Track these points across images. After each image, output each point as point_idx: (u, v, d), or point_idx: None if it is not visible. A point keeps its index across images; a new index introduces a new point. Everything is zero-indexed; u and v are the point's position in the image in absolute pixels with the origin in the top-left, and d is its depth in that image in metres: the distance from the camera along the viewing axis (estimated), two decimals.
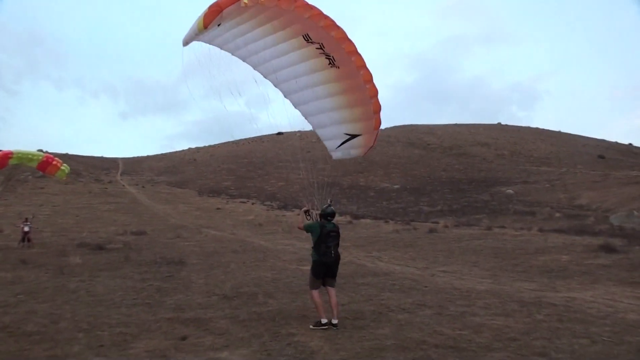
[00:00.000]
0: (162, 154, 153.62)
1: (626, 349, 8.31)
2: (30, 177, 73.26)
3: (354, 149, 11.00)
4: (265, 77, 10.77)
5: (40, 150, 39.23)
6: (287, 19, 9.46)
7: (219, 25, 9.31)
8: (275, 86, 10.83)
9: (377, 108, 10.16)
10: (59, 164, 28.40)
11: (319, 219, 10.58)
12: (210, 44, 10.35)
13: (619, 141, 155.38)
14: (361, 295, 12.84)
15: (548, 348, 8.41)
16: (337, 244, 10.35)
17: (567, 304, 11.80)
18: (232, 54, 10.58)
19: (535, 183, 76.10)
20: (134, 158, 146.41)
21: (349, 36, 9.53)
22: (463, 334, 9.42)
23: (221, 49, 10.49)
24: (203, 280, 16.07)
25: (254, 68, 10.69)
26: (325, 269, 10.33)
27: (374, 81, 9.93)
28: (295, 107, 11.01)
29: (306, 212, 10.96)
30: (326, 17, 9.26)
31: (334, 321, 10.14)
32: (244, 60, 10.64)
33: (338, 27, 9.38)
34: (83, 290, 14.54)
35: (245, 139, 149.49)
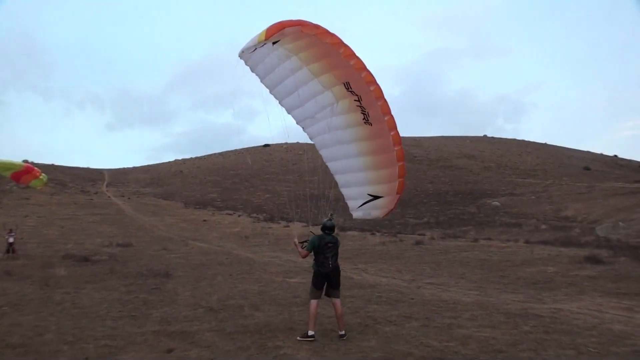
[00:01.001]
0: (148, 166, 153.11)
1: None
2: (15, 187, 72.79)
3: (374, 209, 10.96)
4: (298, 123, 10.82)
5: (25, 161, 38.96)
6: (333, 61, 9.48)
7: (274, 43, 9.34)
8: (308, 135, 10.93)
9: (402, 173, 10.10)
10: (37, 173, 28.13)
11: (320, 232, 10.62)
12: (255, 73, 10.44)
13: (604, 153, 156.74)
14: (348, 307, 12.81)
15: (534, 359, 8.44)
16: (336, 255, 10.42)
17: (553, 315, 11.89)
18: (270, 91, 10.65)
19: (522, 195, 76.45)
20: (120, 169, 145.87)
21: (384, 95, 9.51)
22: (450, 345, 9.46)
23: (261, 80, 10.58)
24: (189, 293, 16.01)
25: (288, 112, 10.76)
26: (324, 279, 10.40)
27: (401, 145, 9.90)
28: (326, 162, 11.08)
29: (301, 242, 10.94)
30: (367, 70, 9.29)
31: (341, 332, 10.24)
32: (280, 102, 10.70)
33: (376, 83, 9.38)
34: (68, 302, 14.45)
35: (232, 151, 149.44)
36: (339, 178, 11.11)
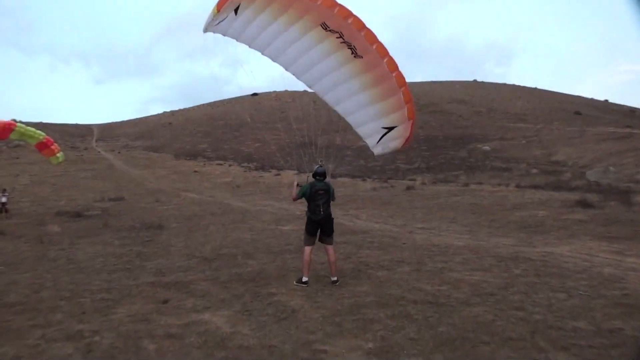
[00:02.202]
0: (137, 119, 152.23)
1: (602, 302, 8.44)
2: (4, 147, 72.43)
3: (392, 141, 10.86)
4: (298, 79, 10.69)
5: (14, 120, 38.86)
6: (301, 6, 9.32)
7: (236, 10, 9.23)
8: (310, 87, 10.78)
9: (408, 97, 9.99)
10: (55, 150, 28.41)
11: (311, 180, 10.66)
12: (228, 36, 10.30)
13: (596, 97, 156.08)
14: (340, 253, 12.89)
15: (525, 302, 8.54)
16: (327, 202, 10.47)
17: (544, 259, 12.00)
18: (261, 53, 10.51)
19: (512, 139, 76.36)
20: (108, 124, 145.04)
21: (366, 24, 9.33)
22: (442, 289, 9.57)
23: (248, 46, 10.44)
24: (183, 244, 16.12)
25: (286, 69, 10.59)
26: (316, 226, 10.48)
27: (400, 70, 9.72)
28: (334, 107, 10.93)
29: (299, 185, 10.97)
30: (339, 4, 9.11)
31: (333, 278, 10.36)
32: (273, 60, 10.55)
33: (353, 15, 9.19)
34: (63, 258, 14.52)
35: (221, 101, 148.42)
36: (350, 119, 10.97)
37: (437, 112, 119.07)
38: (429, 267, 11.57)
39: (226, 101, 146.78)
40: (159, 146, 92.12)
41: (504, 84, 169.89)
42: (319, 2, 9.03)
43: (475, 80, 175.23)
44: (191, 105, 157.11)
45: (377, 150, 11.16)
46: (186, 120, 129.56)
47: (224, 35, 10.35)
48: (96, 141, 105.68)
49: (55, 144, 29.20)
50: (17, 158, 68.38)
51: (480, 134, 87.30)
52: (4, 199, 27.67)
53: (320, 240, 10.57)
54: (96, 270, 12.68)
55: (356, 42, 9.43)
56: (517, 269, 11.08)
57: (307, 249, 10.44)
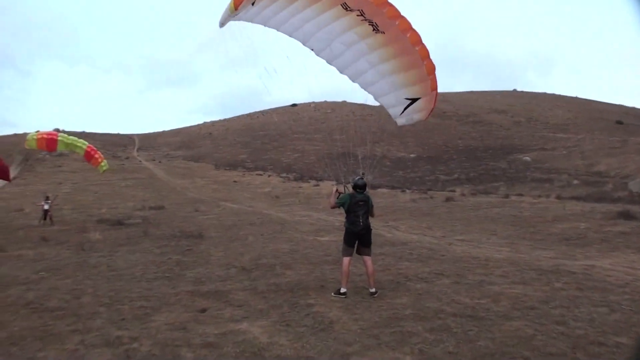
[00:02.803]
0: (177, 129, 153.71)
1: None
2: (47, 156, 73.68)
3: (415, 113, 10.88)
4: (318, 55, 10.65)
5: (57, 130, 39.68)
6: None
7: (253, 3, 9.26)
8: (329, 63, 10.75)
9: (431, 69, 9.99)
10: (100, 159, 29.20)
11: (350, 191, 10.64)
12: (251, 22, 10.32)
13: (637, 106, 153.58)
14: (379, 265, 12.83)
15: (566, 317, 8.39)
16: (366, 213, 10.41)
17: (585, 272, 11.76)
18: (278, 30, 10.51)
19: (553, 150, 75.52)
20: (150, 134, 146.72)
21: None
22: (481, 302, 9.44)
23: (265, 26, 10.46)
24: (222, 253, 16.17)
25: (304, 44, 10.59)
26: (355, 237, 10.43)
27: (424, 44, 9.74)
28: (354, 80, 10.89)
29: (339, 193, 10.97)
30: None
31: (372, 290, 10.28)
32: (302, 43, 10.56)
33: None
34: (104, 265, 14.69)
35: (260, 112, 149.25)
36: (372, 90, 10.91)
37: (477, 123, 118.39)
38: (468, 279, 11.43)
39: (265, 112, 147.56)
40: (199, 156, 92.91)
41: (544, 93, 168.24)
42: None
43: (515, 90, 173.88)
44: (231, 116, 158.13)
45: (401, 121, 11.17)
46: (226, 130, 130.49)
47: (239, 20, 10.35)
48: (137, 150, 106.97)
49: (98, 152, 29.79)
50: (60, 166, 69.58)
51: (520, 145, 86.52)
52: (46, 206, 28.11)
53: (358, 252, 10.51)
54: (136, 277, 12.79)
55: (377, 18, 9.38)
56: (558, 283, 10.88)
57: (346, 260, 10.39)
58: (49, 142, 27.23)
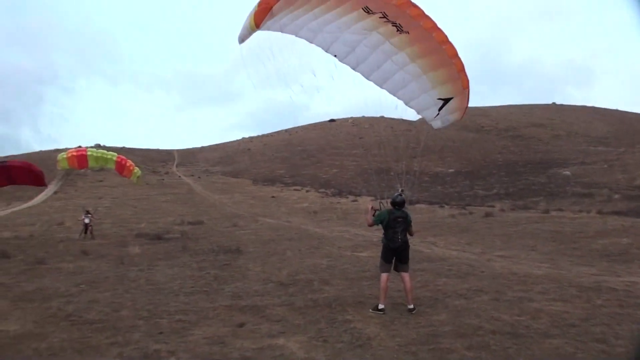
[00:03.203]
0: (216, 145, 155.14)
1: None
2: (89, 171, 74.85)
3: (450, 114, 10.78)
4: (342, 61, 10.55)
5: (98, 145, 40.29)
6: None
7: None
8: (354, 69, 10.62)
9: (460, 66, 9.89)
10: (132, 167, 29.54)
11: (388, 207, 10.61)
12: (268, 30, 10.30)
13: None
14: (417, 281, 12.74)
15: (607, 334, 8.22)
16: (405, 230, 10.37)
17: (627, 289, 11.53)
18: (308, 41, 10.47)
19: (593, 164, 74.41)
20: (189, 149, 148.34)
21: (415, 2, 9.30)
22: (520, 319, 9.30)
23: (283, 32, 10.43)
24: (259, 268, 16.18)
25: (326, 50, 10.45)
26: (393, 253, 10.39)
27: (452, 42, 9.70)
28: (381, 86, 10.76)
29: (374, 210, 10.94)
30: None
31: (410, 306, 10.19)
32: (325, 49, 10.48)
33: None
34: (142, 279, 14.80)
35: (298, 127, 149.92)
36: (401, 94, 10.74)
37: (516, 137, 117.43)
38: (507, 296, 11.27)
39: (303, 127, 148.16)
40: (237, 171, 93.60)
41: (584, 106, 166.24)
42: None
43: (554, 103, 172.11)
44: (269, 132, 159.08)
45: (437, 124, 11.06)
46: (264, 146, 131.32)
47: (273, 31, 10.31)
48: (177, 166, 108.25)
49: (129, 161, 30.13)
50: (101, 181, 70.68)
51: (560, 159, 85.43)
52: (87, 220, 28.48)
53: (395, 268, 10.46)
54: (174, 291, 12.87)
55: (401, 20, 9.33)
56: (599, 300, 10.66)
57: (384, 276, 10.33)
58: (79, 159, 27.71)
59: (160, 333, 9.09)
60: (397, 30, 9.51)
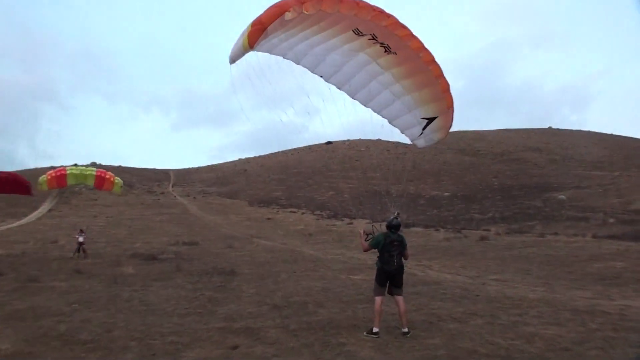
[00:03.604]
0: (212, 165, 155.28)
1: None
2: (84, 189, 74.81)
3: (434, 133, 10.90)
4: (327, 80, 10.65)
5: (94, 164, 40.32)
6: (333, 19, 9.33)
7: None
8: (340, 88, 10.75)
9: (445, 86, 10.01)
10: (112, 178, 29.31)
11: (382, 230, 10.59)
12: (260, 51, 10.32)
13: None
14: (411, 304, 12.71)
15: (602, 358, 8.24)
16: (400, 253, 10.35)
17: (621, 313, 11.56)
18: (295, 62, 10.55)
19: (588, 188, 74.55)
20: (185, 169, 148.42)
21: (402, 22, 9.43)
22: (515, 343, 9.29)
23: (279, 56, 10.49)
24: (254, 290, 16.15)
25: (312, 71, 10.57)
26: (387, 277, 10.36)
27: (437, 63, 9.84)
28: (366, 105, 10.90)
29: (367, 234, 10.94)
30: (374, 8, 9.12)
31: (404, 330, 10.15)
32: (311, 70, 10.58)
33: (389, 16, 9.27)
34: (136, 299, 14.75)
35: (295, 149, 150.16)
36: (386, 112, 10.91)
37: (511, 161, 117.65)
38: (502, 320, 11.26)
39: (300, 149, 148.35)
40: (233, 192, 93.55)
41: (579, 131, 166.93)
42: (352, 13, 9.03)
43: (550, 127, 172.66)
44: (266, 153, 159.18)
45: (420, 142, 11.17)
46: (261, 167, 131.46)
47: (262, 52, 10.35)
48: (172, 186, 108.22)
49: (109, 173, 30.04)
50: (96, 200, 70.53)
51: (555, 183, 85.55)
52: (81, 239, 28.41)
53: (389, 291, 10.44)
54: (167, 313, 12.81)
55: (389, 40, 9.50)
56: (593, 323, 10.68)
57: (378, 299, 10.30)
58: (58, 179, 27.66)
59: (153, 355, 9.04)
60: (385, 50, 9.68)
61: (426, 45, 9.68)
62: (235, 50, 9.38)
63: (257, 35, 8.63)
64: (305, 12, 8.65)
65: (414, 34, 9.50)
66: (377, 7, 9.19)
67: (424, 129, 10.77)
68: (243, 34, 8.92)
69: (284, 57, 10.42)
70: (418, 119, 10.67)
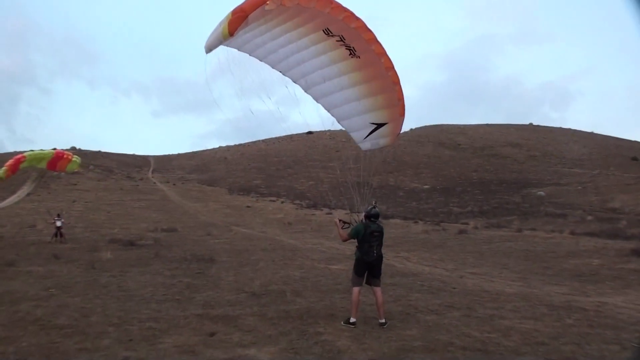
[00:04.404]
0: (193, 152, 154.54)
1: None
2: (63, 174, 74.17)
3: (382, 138, 10.97)
4: (284, 74, 10.73)
5: (73, 148, 39.97)
6: (308, 15, 9.40)
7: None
8: (295, 82, 10.81)
9: (400, 95, 10.13)
10: (69, 157, 28.76)
11: (363, 220, 10.59)
12: (228, 46, 10.32)
13: None
14: (389, 295, 12.76)
15: (577, 353, 8.30)
16: (380, 244, 10.39)
17: (597, 309, 11.66)
18: (250, 55, 10.61)
19: (567, 185, 75.22)
20: (165, 156, 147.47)
21: (369, 26, 9.53)
22: (491, 336, 9.35)
23: (239, 50, 10.51)
24: (232, 278, 16.14)
25: (273, 66, 10.68)
26: (367, 267, 10.37)
27: (396, 70, 9.96)
28: (317, 100, 10.96)
29: (343, 223, 10.96)
30: (346, 9, 9.22)
31: (381, 320, 10.20)
32: (261, 60, 10.65)
33: (358, 19, 9.36)
34: (114, 285, 14.70)
35: (276, 138, 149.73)
36: (336, 112, 11.01)
37: (491, 156, 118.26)
38: (479, 313, 11.34)
39: (281, 138, 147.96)
40: (213, 180, 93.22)
41: (560, 128, 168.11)
42: (326, 11, 9.10)
43: (531, 124, 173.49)
44: (246, 141, 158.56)
45: (365, 145, 11.26)
46: (241, 155, 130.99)
47: (228, 46, 10.37)
48: (152, 172, 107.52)
49: (68, 152, 29.50)
50: (75, 184, 69.94)
51: (535, 179, 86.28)
52: (59, 223, 28.24)
53: (367, 282, 10.44)
54: (145, 299, 12.78)
55: (356, 43, 9.60)
56: (569, 319, 10.77)
57: (356, 289, 10.33)
58: (13, 166, 27.05)
59: (130, 340, 9.02)
60: (350, 54, 9.81)
61: (387, 52, 9.79)
62: (212, 39, 9.33)
63: (238, 22, 8.60)
64: (284, 4, 8.67)
65: (377, 37, 9.61)
66: (348, 9, 9.28)
67: (370, 133, 10.86)
68: (222, 22, 8.87)
69: (250, 54, 10.50)
70: (367, 122, 10.76)
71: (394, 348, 8.64)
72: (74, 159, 29.10)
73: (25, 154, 28.24)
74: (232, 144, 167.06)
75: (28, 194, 58.90)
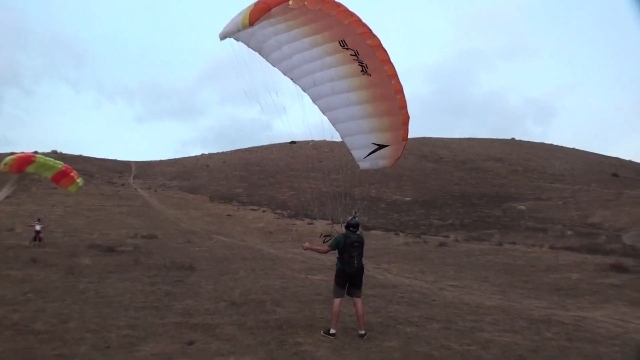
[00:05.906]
0: (175, 159, 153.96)
1: None
2: (42, 177, 73.57)
3: (381, 159, 10.98)
4: (295, 81, 10.75)
5: (55, 152, 39.69)
6: (327, 23, 9.40)
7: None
8: (305, 90, 10.82)
9: (406, 119, 10.13)
10: (75, 177, 28.60)
11: (343, 230, 10.58)
12: (242, 41, 10.32)
13: (633, 159, 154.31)
14: (369, 307, 12.76)
15: None
16: (361, 254, 10.38)
17: (576, 323, 11.74)
18: (261, 54, 10.58)
19: (548, 200, 75.66)
20: (147, 162, 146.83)
21: (384, 45, 9.52)
22: (471, 349, 9.39)
23: (249, 46, 10.49)
24: (212, 286, 16.07)
25: (285, 73, 10.69)
26: (347, 278, 10.36)
27: (404, 94, 9.96)
28: (324, 112, 10.98)
29: (325, 236, 10.95)
30: (364, 24, 9.25)
31: (361, 332, 10.21)
32: (274, 65, 10.64)
33: (374, 36, 9.38)
34: (92, 291, 14.60)
35: (258, 147, 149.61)
36: (339, 127, 11.02)
37: (473, 170, 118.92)
38: (458, 325, 11.37)
39: (263, 147, 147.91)
40: (194, 187, 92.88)
41: (542, 143, 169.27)
42: (345, 22, 9.12)
43: (513, 139, 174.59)
44: (229, 149, 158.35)
45: (364, 165, 11.27)
46: (223, 163, 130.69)
47: (244, 42, 10.36)
48: (133, 178, 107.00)
49: (74, 172, 29.29)
50: (55, 188, 69.29)
51: (516, 193, 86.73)
52: (38, 227, 28.01)
53: (348, 292, 10.44)
54: (124, 306, 12.71)
55: (369, 61, 9.59)
56: (548, 332, 10.85)
57: (337, 301, 10.31)
58: (20, 165, 26.52)
59: (108, 347, 8.97)
60: (362, 70, 9.77)
61: (397, 73, 9.78)
62: (230, 26, 9.30)
63: (260, 13, 8.58)
64: (307, 4, 8.68)
65: (390, 58, 9.59)
66: (366, 24, 9.29)
67: (370, 153, 10.87)
68: (242, 12, 8.85)
69: (261, 53, 10.47)
70: (369, 142, 10.76)
71: (373, 359, 8.63)
72: (77, 181, 28.97)
73: (35, 156, 27.95)
74: (214, 151, 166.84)
75: (7, 197, 58.35)
